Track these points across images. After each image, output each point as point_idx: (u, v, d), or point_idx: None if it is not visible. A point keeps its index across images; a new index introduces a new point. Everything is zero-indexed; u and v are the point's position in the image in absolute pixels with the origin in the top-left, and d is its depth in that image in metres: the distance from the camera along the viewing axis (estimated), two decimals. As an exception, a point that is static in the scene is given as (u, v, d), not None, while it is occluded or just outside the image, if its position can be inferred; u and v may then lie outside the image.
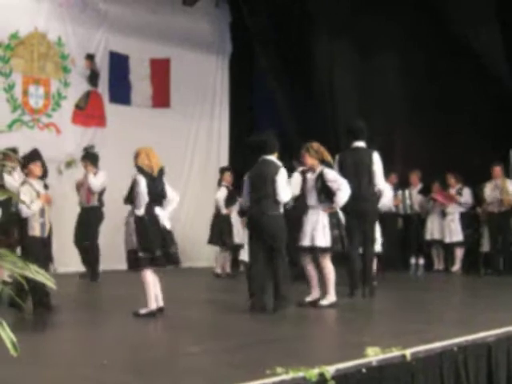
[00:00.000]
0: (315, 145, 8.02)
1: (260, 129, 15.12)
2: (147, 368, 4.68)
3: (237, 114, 14.89)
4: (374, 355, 4.73)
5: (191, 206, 13.64)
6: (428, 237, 13.07)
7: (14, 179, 9.25)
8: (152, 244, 7.01)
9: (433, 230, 13.04)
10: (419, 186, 13.27)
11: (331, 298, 7.86)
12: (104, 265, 11.21)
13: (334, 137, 13.16)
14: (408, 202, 13.13)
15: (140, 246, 7.00)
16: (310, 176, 8.00)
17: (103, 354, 5.26)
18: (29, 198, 7.15)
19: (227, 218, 11.59)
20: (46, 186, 7.62)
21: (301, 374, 4.21)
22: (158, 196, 7.15)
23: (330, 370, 4.33)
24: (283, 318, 7.09)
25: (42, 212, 7.28)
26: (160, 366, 4.78)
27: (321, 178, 7.86)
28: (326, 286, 7.89)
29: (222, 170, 11.97)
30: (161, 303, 7.16)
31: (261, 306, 7.36)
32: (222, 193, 11.55)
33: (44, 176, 7.69)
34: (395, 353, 4.84)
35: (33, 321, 6.83)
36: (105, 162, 12.24)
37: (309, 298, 7.98)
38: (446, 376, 5.11)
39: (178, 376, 4.47)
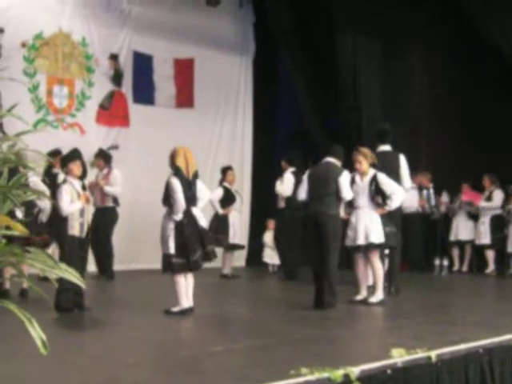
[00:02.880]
0: (367, 150, 8.36)
1: (283, 129, 15.19)
2: (173, 367, 4.70)
3: (260, 114, 14.86)
4: (399, 356, 4.72)
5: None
6: (452, 238, 12.98)
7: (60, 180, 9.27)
8: (189, 249, 7.03)
9: (457, 230, 12.93)
10: (430, 187, 13.15)
11: (379, 295, 8.09)
12: (120, 265, 11.26)
13: (358, 137, 13.11)
14: (433, 202, 13.02)
15: (176, 252, 7.03)
16: (359, 179, 8.26)
17: (130, 352, 5.29)
18: (70, 197, 7.17)
19: (224, 218, 11.29)
20: (83, 187, 7.50)
21: (325, 374, 4.20)
22: (191, 197, 7.17)
23: (355, 370, 4.32)
24: (308, 318, 7.09)
25: (82, 212, 7.26)
26: (186, 365, 4.80)
27: (375, 181, 8.14)
28: (374, 283, 8.18)
29: (224, 170, 11.63)
30: (191, 303, 7.20)
31: (322, 303, 7.56)
32: (217, 194, 11.21)
33: (83, 176, 7.61)
34: (420, 354, 4.83)
35: (60, 320, 6.86)
36: (128, 161, 12.34)
37: (359, 297, 8.22)
38: (471, 378, 5.10)
39: (203, 375, 4.47)
